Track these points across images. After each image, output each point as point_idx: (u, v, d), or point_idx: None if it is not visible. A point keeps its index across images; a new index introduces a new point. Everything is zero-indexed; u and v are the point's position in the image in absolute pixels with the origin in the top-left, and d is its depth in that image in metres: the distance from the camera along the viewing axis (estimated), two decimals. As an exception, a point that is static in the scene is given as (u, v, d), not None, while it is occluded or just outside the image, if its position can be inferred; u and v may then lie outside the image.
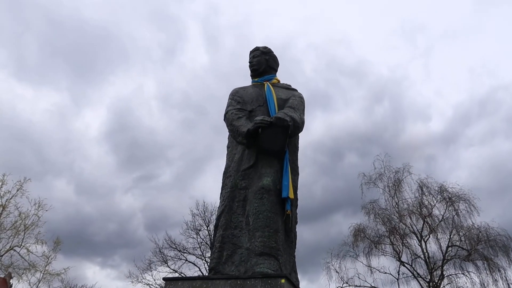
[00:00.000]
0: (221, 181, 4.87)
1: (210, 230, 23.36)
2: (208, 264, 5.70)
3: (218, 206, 4.74)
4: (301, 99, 5.36)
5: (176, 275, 21.37)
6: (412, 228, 19.83)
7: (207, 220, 24.20)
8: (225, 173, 4.86)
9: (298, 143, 5.21)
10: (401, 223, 19.85)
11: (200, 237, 23.99)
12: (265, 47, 5.80)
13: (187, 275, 20.33)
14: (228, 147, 5.15)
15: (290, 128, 4.54)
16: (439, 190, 19.80)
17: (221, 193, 4.76)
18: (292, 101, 5.14)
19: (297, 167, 5.04)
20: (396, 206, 20.42)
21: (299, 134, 5.22)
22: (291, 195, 4.48)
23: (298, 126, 4.94)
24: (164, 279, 3.85)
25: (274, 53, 5.87)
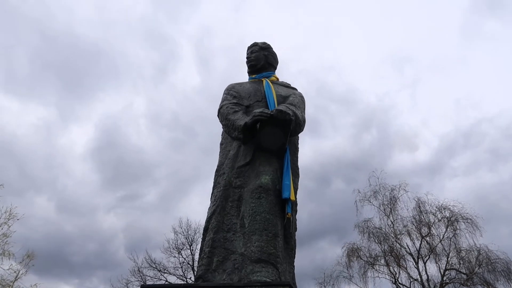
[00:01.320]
0: (213, 180, 4.34)
1: (193, 250, 22.34)
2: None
3: (204, 221, 4.09)
4: (301, 98, 4.94)
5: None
6: (409, 249, 19.04)
7: (190, 239, 22.93)
8: (217, 170, 4.34)
9: (298, 143, 4.75)
10: (396, 243, 19.12)
11: (182, 257, 22.64)
12: (264, 43, 5.39)
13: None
14: (221, 144, 4.65)
15: (292, 123, 4.08)
16: (438, 208, 19.00)
17: (212, 193, 4.22)
18: (293, 98, 4.71)
19: (298, 169, 4.56)
20: (392, 225, 19.65)
21: (299, 135, 4.78)
22: (293, 197, 3.98)
23: (299, 123, 4.50)
24: (142, 286, 3.28)
25: (274, 49, 5.47)
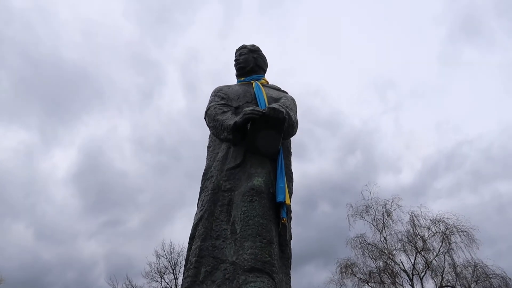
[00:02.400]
0: (200, 185, 3.96)
1: (176, 274, 21.47)
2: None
3: (189, 234, 3.67)
4: (293, 101, 4.67)
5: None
6: (403, 265, 18.50)
7: (173, 262, 22.02)
8: (205, 174, 3.97)
9: (291, 147, 4.44)
10: (390, 259, 18.62)
11: (165, 281, 21.74)
12: (253, 45, 5.15)
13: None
14: (209, 147, 4.30)
15: (286, 122, 3.78)
16: (433, 222, 18.41)
17: (199, 198, 3.85)
18: (285, 100, 4.44)
19: (292, 173, 4.24)
20: (385, 241, 19.16)
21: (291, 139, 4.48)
22: (288, 201, 3.64)
23: (292, 124, 4.23)
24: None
25: (263, 52, 5.23)
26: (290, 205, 3.85)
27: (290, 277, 3.57)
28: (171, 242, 23.01)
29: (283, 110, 3.75)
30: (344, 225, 20.47)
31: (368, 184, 21.33)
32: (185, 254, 3.61)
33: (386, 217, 19.47)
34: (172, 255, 22.28)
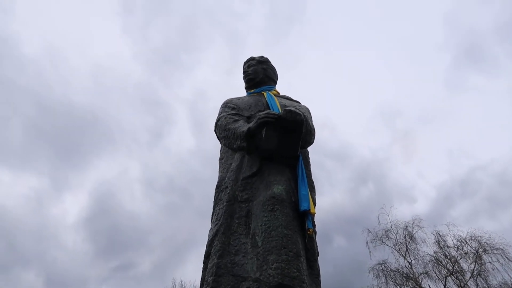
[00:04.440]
0: (213, 198, 3.59)
1: None
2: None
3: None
4: (308, 110, 4.40)
5: None
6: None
7: None
8: (218, 187, 3.59)
9: (309, 157, 4.09)
10: (417, 285, 17.31)
11: None
12: (262, 56, 4.93)
13: None
14: (221, 159, 3.95)
15: (304, 125, 3.45)
16: (461, 241, 16.97)
17: (213, 212, 3.46)
18: (299, 107, 4.15)
19: (313, 183, 3.86)
20: (410, 266, 17.90)
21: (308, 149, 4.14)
22: (313, 209, 3.24)
23: (311, 131, 3.96)
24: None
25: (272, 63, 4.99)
26: (315, 215, 3.44)
27: None
28: (181, 281, 22.19)
29: (300, 112, 3.43)
30: (361, 258, 19.37)
31: (384, 206, 20.45)
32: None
33: (409, 240, 18.36)
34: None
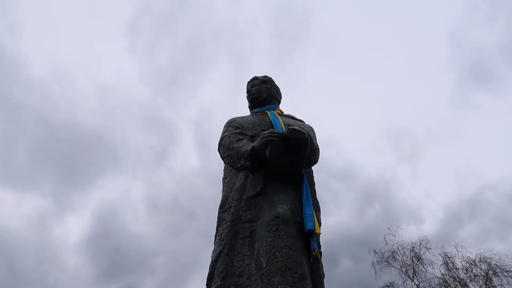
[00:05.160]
0: (216, 218, 3.53)
1: None
2: None
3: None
4: (312, 129, 4.38)
5: None
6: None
7: None
8: (221, 207, 3.54)
9: (313, 176, 4.05)
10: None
11: None
12: (265, 76, 4.97)
13: None
14: (224, 178, 3.92)
15: (308, 144, 3.42)
16: (470, 263, 16.47)
17: (216, 232, 3.40)
18: (303, 126, 4.13)
19: (318, 202, 3.80)
20: None
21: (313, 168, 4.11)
22: (318, 230, 3.17)
23: (315, 150, 3.92)
24: None
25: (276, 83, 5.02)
26: (320, 235, 3.38)
27: None
28: None
29: (304, 131, 3.42)
30: (368, 279, 18.75)
31: (390, 227, 19.99)
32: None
33: (416, 261, 17.81)
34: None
